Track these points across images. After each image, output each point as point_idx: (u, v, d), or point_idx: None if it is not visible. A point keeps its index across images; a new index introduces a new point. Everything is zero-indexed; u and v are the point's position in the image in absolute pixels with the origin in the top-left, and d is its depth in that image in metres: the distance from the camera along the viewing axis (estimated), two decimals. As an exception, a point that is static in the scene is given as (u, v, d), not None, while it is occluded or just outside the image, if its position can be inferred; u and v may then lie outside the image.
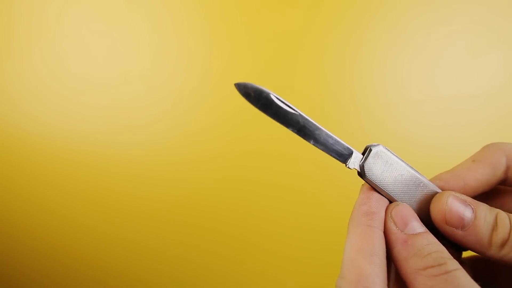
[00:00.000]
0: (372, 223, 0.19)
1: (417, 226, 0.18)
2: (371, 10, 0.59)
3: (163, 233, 0.72)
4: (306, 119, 0.20)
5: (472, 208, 0.19)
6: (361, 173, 0.20)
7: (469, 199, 0.19)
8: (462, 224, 0.19)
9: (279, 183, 0.65)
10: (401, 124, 0.60)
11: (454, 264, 0.16)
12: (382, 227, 0.19)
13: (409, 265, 0.17)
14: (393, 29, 0.59)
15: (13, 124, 0.77)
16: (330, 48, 0.61)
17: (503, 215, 0.18)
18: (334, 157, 0.21)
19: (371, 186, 0.20)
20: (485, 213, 0.19)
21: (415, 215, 0.19)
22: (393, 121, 0.60)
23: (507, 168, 0.20)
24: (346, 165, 0.21)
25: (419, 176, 0.21)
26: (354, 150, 0.21)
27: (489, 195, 0.22)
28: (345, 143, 0.21)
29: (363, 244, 0.18)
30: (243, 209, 0.67)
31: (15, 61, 0.76)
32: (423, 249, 0.17)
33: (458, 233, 0.19)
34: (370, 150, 0.20)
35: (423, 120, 0.58)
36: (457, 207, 0.19)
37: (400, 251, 0.18)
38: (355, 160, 0.20)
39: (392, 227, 0.19)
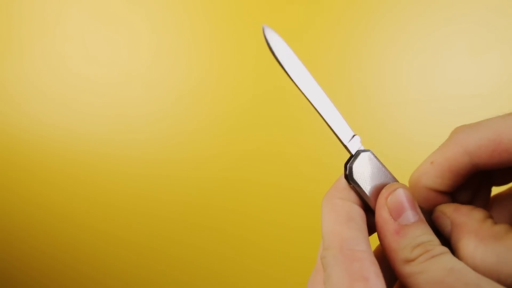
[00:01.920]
0: (345, 197, 0.19)
1: (412, 215, 0.17)
2: (370, 10, 0.59)
3: (162, 232, 0.72)
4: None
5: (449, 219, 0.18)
6: (349, 174, 0.20)
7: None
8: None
9: (279, 183, 0.65)
10: (401, 124, 0.60)
11: (442, 249, 0.16)
12: (357, 201, 0.19)
13: (399, 256, 0.16)
14: (393, 29, 0.59)
15: (13, 124, 0.77)
16: (329, 47, 0.61)
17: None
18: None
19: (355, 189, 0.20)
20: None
21: (413, 200, 0.18)
22: (393, 121, 0.60)
23: (472, 165, 0.18)
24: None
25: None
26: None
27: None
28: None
29: (337, 214, 0.18)
30: (242, 208, 0.67)
31: (16, 60, 0.76)
32: (414, 241, 0.16)
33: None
34: (359, 154, 0.20)
35: (423, 120, 0.58)
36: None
37: (390, 242, 0.17)
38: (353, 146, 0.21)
39: (384, 215, 0.17)
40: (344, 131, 0.21)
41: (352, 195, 0.19)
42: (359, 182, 0.19)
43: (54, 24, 0.73)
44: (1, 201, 0.81)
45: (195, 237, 0.71)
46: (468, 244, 0.16)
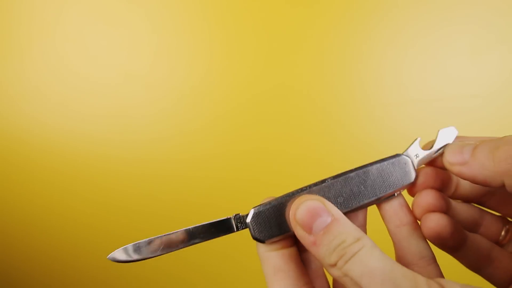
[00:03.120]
0: (270, 248, 0.21)
1: (323, 220, 0.18)
2: (371, 10, 0.60)
3: (162, 231, 0.72)
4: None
5: (473, 145, 0.20)
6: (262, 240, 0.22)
7: (470, 142, 0.21)
8: (463, 161, 0.20)
9: (279, 183, 0.65)
10: (401, 124, 0.60)
11: (356, 246, 0.17)
12: (282, 245, 0.21)
13: (324, 263, 0.18)
14: (393, 29, 0.59)
15: (13, 124, 0.77)
16: (330, 47, 0.61)
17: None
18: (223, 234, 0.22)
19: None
20: (487, 146, 0.19)
21: (319, 206, 0.19)
22: (393, 121, 0.60)
23: None
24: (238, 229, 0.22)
25: (294, 192, 0.22)
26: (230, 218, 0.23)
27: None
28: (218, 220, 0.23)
29: (266, 270, 0.21)
30: (242, 209, 0.67)
31: (15, 61, 0.76)
32: (330, 246, 0.18)
33: (462, 169, 0.20)
34: (249, 225, 0.22)
35: (423, 120, 0.59)
36: (454, 148, 0.21)
37: (314, 253, 0.18)
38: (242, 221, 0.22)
39: (299, 232, 0.19)
40: (222, 227, 0.23)
41: (276, 243, 0.21)
42: (273, 238, 0.21)
43: (54, 24, 0.73)
44: (1, 202, 0.81)
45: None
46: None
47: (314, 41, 0.62)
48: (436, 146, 0.23)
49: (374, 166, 0.23)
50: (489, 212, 0.25)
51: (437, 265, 0.22)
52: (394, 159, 0.23)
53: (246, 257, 0.68)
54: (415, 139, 0.24)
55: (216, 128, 0.67)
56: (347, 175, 0.23)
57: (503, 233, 0.24)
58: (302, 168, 0.63)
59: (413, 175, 0.23)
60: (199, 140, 0.68)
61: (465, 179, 0.20)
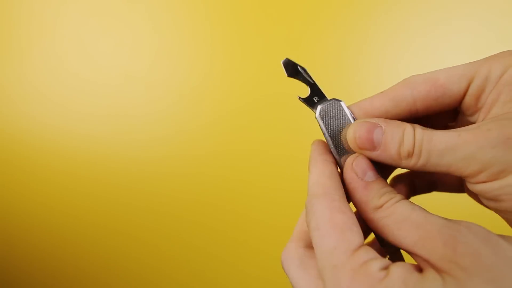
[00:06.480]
0: (327, 158, 0.23)
1: (373, 174, 0.21)
2: (370, 9, 0.59)
3: (162, 230, 0.72)
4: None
5: (382, 128, 0.21)
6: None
7: (379, 120, 0.22)
8: (373, 146, 0.21)
9: (278, 185, 0.65)
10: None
11: (401, 196, 0.20)
12: (334, 163, 0.23)
13: (369, 206, 0.20)
14: (392, 29, 0.59)
15: (13, 125, 0.77)
16: (328, 48, 0.61)
17: (409, 130, 0.21)
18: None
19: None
20: (393, 131, 0.21)
21: (371, 165, 0.22)
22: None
23: (414, 100, 0.22)
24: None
25: None
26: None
27: None
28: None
29: (323, 170, 0.23)
30: (240, 209, 0.67)
31: (15, 62, 0.76)
32: (379, 191, 0.20)
33: (374, 154, 0.21)
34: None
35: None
36: (365, 132, 0.22)
37: (362, 196, 0.21)
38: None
39: (353, 176, 0.22)
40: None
41: (330, 157, 0.24)
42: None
43: (53, 25, 0.73)
44: (2, 202, 0.81)
45: (192, 235, 0.71)
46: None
47: (311, 41, 0.62)
48: None
49: None
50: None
51: None
52: None
53: (240, 260, 0.69)
54: None
55: (215, 129, 0.67)
56: None
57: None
58: (300, 170, 0.63)
59: None
60: (198, 139, 0.68)
61: (376, 161, 0.22)
